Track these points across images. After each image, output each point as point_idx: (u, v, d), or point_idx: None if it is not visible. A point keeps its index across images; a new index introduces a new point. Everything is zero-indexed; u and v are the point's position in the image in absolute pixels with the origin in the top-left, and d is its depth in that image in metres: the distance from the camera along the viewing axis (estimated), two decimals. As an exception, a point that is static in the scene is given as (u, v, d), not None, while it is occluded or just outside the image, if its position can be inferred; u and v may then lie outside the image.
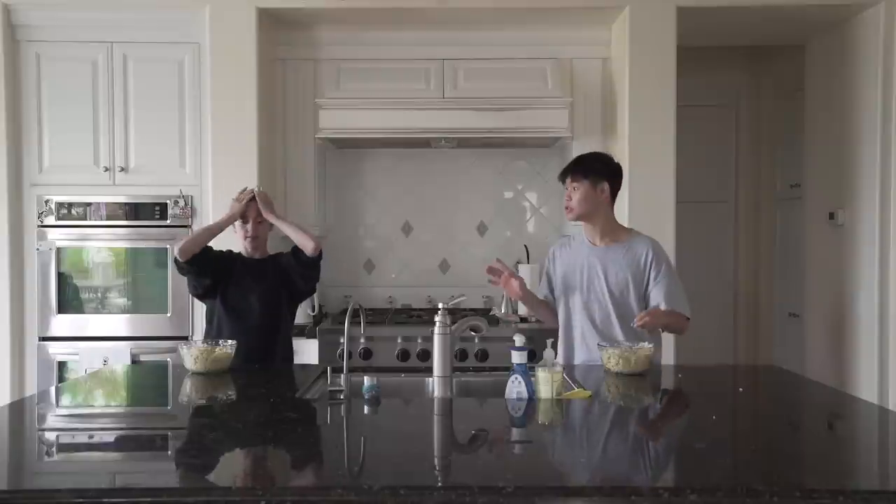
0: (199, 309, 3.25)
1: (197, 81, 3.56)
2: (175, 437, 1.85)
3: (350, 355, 2.74)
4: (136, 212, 3.57)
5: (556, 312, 2.76)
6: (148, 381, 2.59)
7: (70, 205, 3.56)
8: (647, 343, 2.45)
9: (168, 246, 3.49)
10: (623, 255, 2.62)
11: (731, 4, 3.44)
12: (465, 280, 4.03)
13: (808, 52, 4.07)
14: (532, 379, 2.10)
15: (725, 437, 1.85)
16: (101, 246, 3.58)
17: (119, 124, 3.55)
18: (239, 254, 2.97)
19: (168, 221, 3.56)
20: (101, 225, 3.57)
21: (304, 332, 3.44)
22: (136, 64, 3.57)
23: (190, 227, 3.54)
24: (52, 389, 2.75)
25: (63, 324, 3.56)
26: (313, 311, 3.70)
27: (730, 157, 4.75)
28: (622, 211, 3.24)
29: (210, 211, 3.48)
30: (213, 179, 3.50)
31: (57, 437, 1.84)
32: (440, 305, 2.26)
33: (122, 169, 3.55)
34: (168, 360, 3.46)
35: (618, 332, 2.58)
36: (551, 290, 2.78)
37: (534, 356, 2.48)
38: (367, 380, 2.12)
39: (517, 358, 2.10)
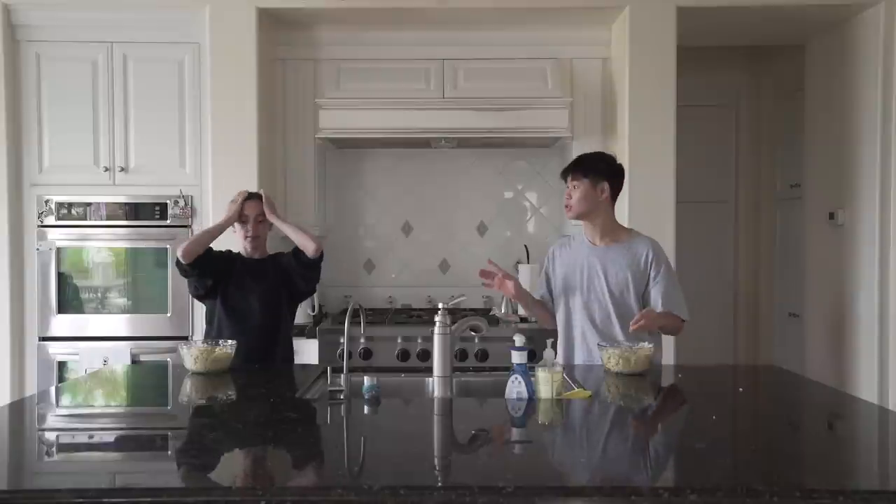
0: (199, 309, 3.24)
1: (197, 81, 3.57)
2: (175, 437, 1.85)
3: (350, 355, 2.74)
4: (136, 212, 3.57)
5: (552, 313, 2.76)
6: (148, 381, 2.59)
7: (70, 205, 3.56)
8: (647, 343, 2.44)
9: (168, 246, 3.50)
10: (623, 255, 2.62)
11: (731, 4, 3.44)
12: (465, 280, 4.02)
13: (808, 52, 4.07)
14: (532, 379, 2.10)
15: (725, 437, 1.85)
16: (101, 246, 3.58)
17: (119, 124, 3.55)
18: (238, 254, 2.97)
19: (168, 221, 3.56)
20: (101, 225, 3.57)
21: (304, 332, 3.45)
22: (136, 64, 3.57)
23: (190, 227, 3.55)
24: (52, 389, 2.75)
25: (63, 324, 3.56)
26: (313, 311, 3.70)
27: (730, 157, 4.75)
28: (622, 211, 3.23)
29: (210, 211, 3.48)
30: (213, 179, 3.50)
31: (57, 437, 1.84)
32: (440, 305, 2.26)
33: (122, 169, 3.55)
34: (168, 360, 3.46)
35: (618, 332, 2.57)
36: (549, 290, 2.77)
37: (534, 356, 2.48)
38: (367, 380, 2.13)
39: (517, 358, 2.10)
